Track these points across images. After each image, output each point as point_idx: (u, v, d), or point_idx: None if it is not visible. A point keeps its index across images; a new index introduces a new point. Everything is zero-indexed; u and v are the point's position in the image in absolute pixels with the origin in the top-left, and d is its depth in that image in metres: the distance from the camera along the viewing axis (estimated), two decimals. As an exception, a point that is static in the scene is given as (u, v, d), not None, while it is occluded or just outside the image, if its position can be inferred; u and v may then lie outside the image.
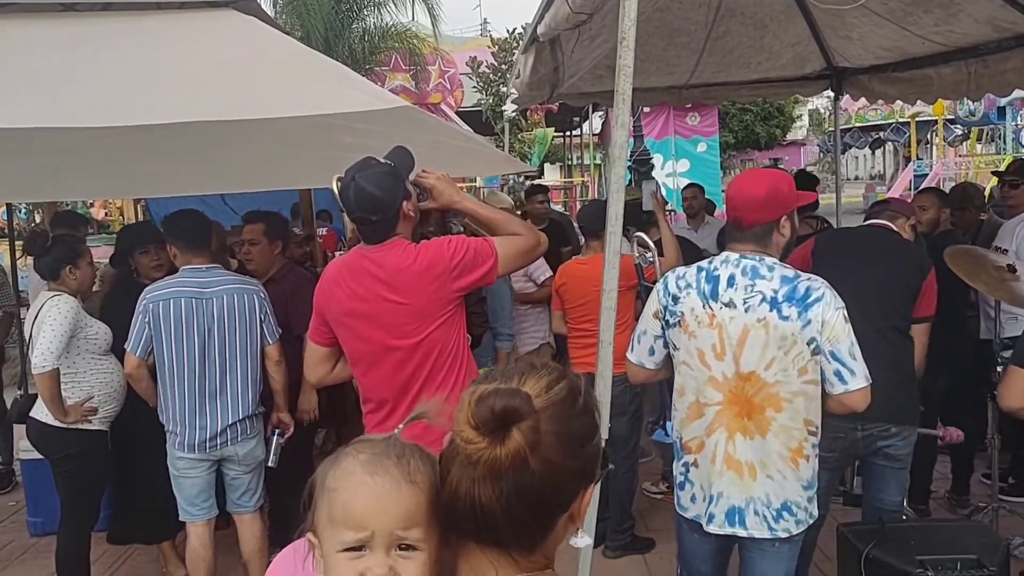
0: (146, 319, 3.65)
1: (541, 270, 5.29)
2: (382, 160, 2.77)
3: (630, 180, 13.73)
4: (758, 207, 2.63)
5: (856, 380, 2.57)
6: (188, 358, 3.67)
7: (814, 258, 3.49)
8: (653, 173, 14.02)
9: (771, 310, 2.56)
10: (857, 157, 37.83)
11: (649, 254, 3.98)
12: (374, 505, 1.10)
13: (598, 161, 18.67)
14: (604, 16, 4.44)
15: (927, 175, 19.38)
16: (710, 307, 2.63)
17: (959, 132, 22.46)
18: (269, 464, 3.93)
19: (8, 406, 4.76)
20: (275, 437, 3.96)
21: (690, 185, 7.83)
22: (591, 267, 4.32)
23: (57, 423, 3.84)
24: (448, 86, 14.11)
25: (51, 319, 3.74)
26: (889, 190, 21.38)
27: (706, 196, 7.86)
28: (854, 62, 6.95)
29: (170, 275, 3.82)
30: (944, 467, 5.15)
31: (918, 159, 23.15)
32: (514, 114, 8.37)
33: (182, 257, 3.73)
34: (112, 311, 4.15)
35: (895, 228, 3.62)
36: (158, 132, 3.72)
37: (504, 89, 11.21)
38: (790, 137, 36.32)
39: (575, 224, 5.52)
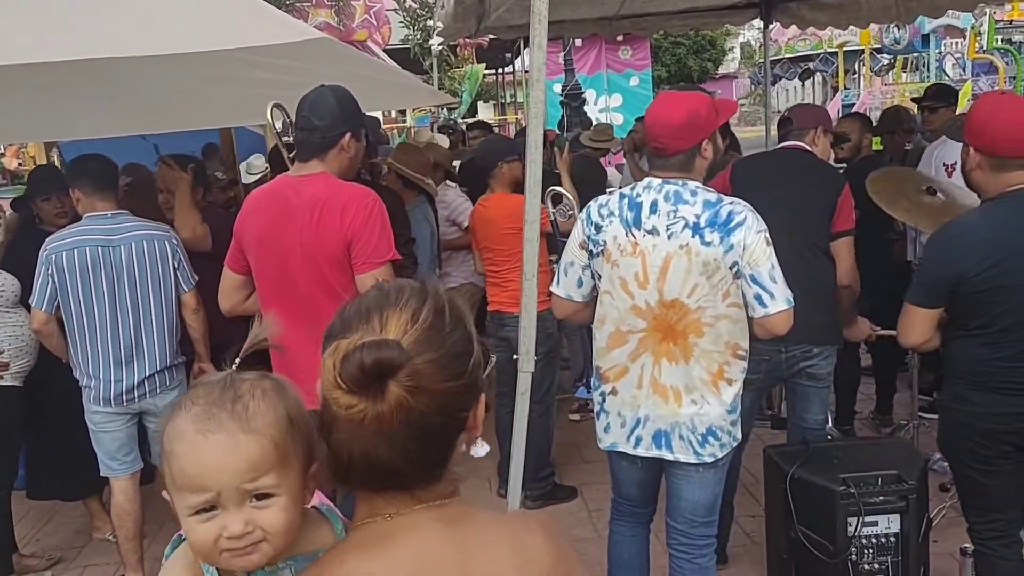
0: (49, 271, 3.46)
1: (464, 211, 5.19)
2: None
3: (562, 115, 13.66)
4: (679, 133, 2.57)
5: (776, 303, 2.56)
6: (98, 310, 3.50)
7: (732, 185, 3.48)
8: (586, 108, 13.90)
9: (693, 236, 2.53)
10: (788, 89, 38.14)
11: (565, 207, 3.82)
12: (212, 466, 1.01)
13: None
14: (527, -58, 4.30)
15: (854, 104, 19.61)
16: (633, 235, 2.59)
17: (885, 61, 22.77)
18: None
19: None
20: None
21: (640, 119, 7.78)
22: (489, 207, 4.26)
23: None
24: (374, 22, 13.64)
25: None
26: (819, 121, 21.56)
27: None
28: (777, -10, 6.93)
29: (74, 223, 3.63)
30: (868, 388, 5.29)
31: (846, 89, 23.42)
32: (441, 48, 8.16)
33: (86, 202, 3.53)
34: (14, 260, 3.95)
35: (807, 146, 3.60)
36: (62, 70, 3.50)
37: (432, 23, 10.94)
38: (722, 70, 36.50)
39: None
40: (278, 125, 2.77)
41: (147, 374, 3.60)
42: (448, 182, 5.45)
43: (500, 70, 20.37)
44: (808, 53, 23.45)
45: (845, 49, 22.18)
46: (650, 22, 8.11)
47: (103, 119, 3.47)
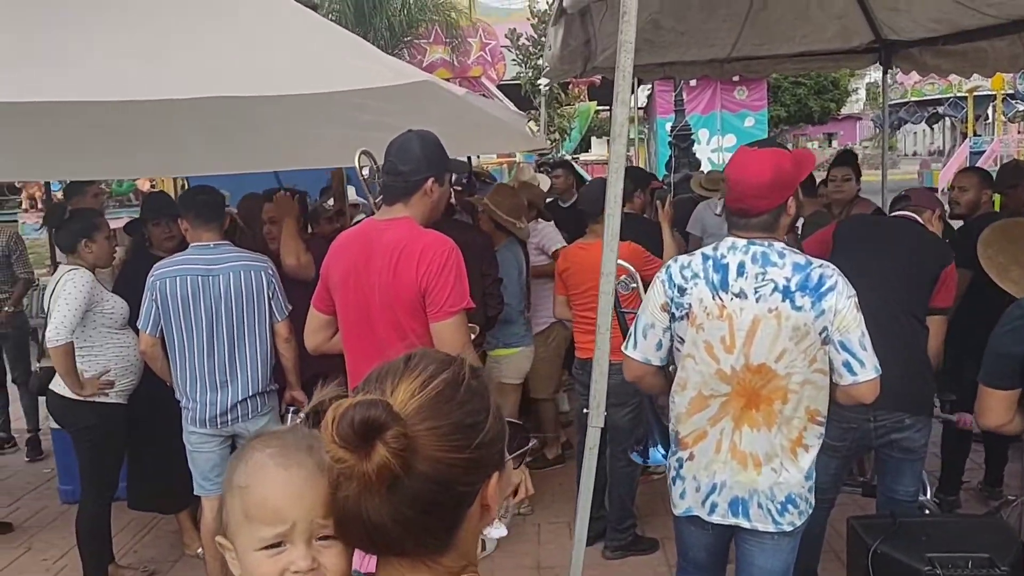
0: (153, 296, 3.67)
1: (553, 240, 5.19)
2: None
3: (670, 156, 13.57)
4: (766, 193, 2.49)
5: (865, 371, 2.46)
6: (197, 335, 3.68)
7: (835, 242, 3.38)
8: (697, 148, 13.77)
9: (784, 300, 2.45)
10: (916, 132, 36.75)
11: (627, 277, 3.71)
12: (293, 496, 1.08)
13: (642, 135, 18.41)
14: (633, -12, 4.30)
15: (984, 152, 18.71)
16: (720, 298, 2.51)
17: (1020, 108, 21.64)
18: None
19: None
20: (290, 415, 3.96)
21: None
22: (591, 253, 4.15)
23: (74, 396, 3.89)
24: (489, 59, 13.95)
25: (66, 293, 3.78)
26: (944, 167, 20.78)
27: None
28: (904, 35, 6.70)
29: (180, 250, 3.84)
30: (980, 456, 4.99)
31: (976, 135, 22.36)
32: (547, 88, 8.26)
33: (193, 232, 3.73)
34: (125, 282, 4.19)
35: (920, 220, 3.51)
36: (178, 107, 3.70)
37: (542, 62, 11.09)
38: (845, 111, 35.49)
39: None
40: (365, 172, 2.85)
41: (240, 398, 3.75)
42: (540, 220, 5.50)
43: (614, 107, 20.39)
44: (936, 97, 22.51)
45: (976, 94, 21.21)
46: (763, 65, 7.98)
47: (214, 156, 3.66)
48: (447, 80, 13.40)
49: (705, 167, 13.10)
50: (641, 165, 18.83)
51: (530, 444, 1.16)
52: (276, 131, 3.79)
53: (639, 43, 6.81)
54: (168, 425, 3.94)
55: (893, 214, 3.70)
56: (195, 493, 3.92)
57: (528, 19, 14.74)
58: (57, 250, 6.27)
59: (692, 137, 13.51)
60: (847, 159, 5.51)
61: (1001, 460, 4.87)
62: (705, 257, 2.58)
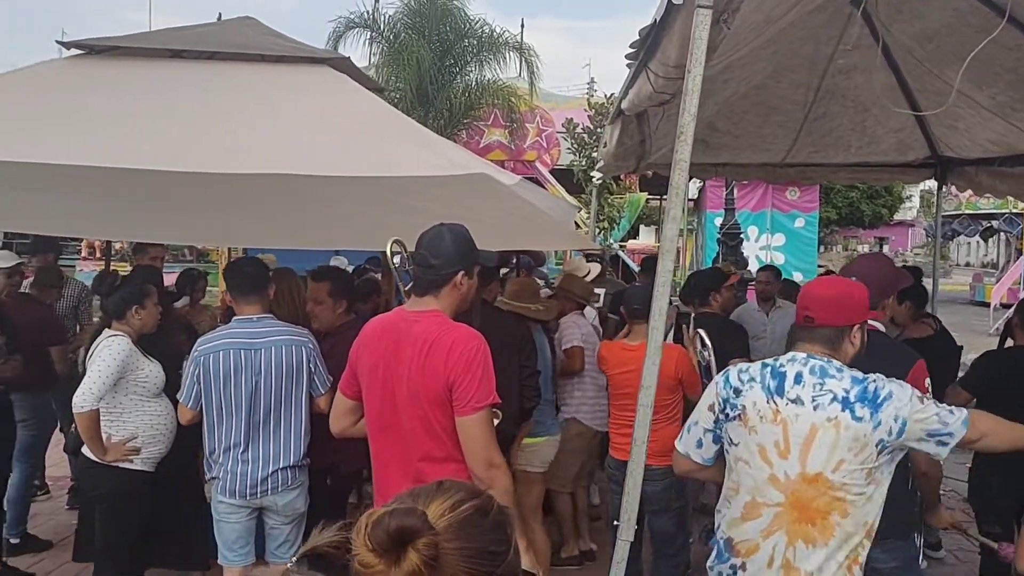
0: (196, 373, 3.71)
1: (570, 337, 5.12)
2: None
3: (717, 252, 13.56)
4: (829, 305, 2.56)
5: (957, 431, 2.42)
6: (236, 408, 3.71)
7: None
8: (746, 245, 13.74)
9: (843, 409, 2.45)
10: (969, 243, 36.33)
11: (706, 352, 3.71)
12: None
13: (691, 226, 18.47)
14: (690, 94, 4.36)
15: (1039, 270, 18.40)
16: (774, 402, 2.53)
17: (1077, 227, 21.38)
18: None
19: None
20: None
21: (765, 268, 7.56)
22: (638, 354, 4.16)
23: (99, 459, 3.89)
24: (544, 144, 14.19)
25: (101, 359, 3.80)
26: (998, 283, 20.43)
27: (785, 278, 7.54)
28: (960, 153, 6.70)
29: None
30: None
31: (1031, 253, 22.07)
32: (600, 181, 8.36)
33: (236, 305, 3.81)
34: None
35: (876, 325, 3.25)
36: (240, 182, 3.81)
37: (596, 155, 11.28)
38: (898, 217, 35.26)
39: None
40: (396, 260, 2.88)
41: (271, 470, 3.74)
42: (583, 312, 5.47)
43: (664, 196, 20.54)
44: (991, 212, 22.31)
45: (1031, 212, 21.01)
46: (816, 172, 8.01)
47: (264, 230, 3.74)
48: (502, 162, 13.74)
49: (753, 265, 13.04)
50: (688, 256, 18.81)
51: None
52: (323, 209, 3.86)
53: (693, 142, 6.86)
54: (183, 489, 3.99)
55: None
56: (219, 562, 3.90)
57: (585, 109, 15.02)
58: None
59: (741, 236, 13.51)
60: None
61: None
62: (765, 364, 2.62)
